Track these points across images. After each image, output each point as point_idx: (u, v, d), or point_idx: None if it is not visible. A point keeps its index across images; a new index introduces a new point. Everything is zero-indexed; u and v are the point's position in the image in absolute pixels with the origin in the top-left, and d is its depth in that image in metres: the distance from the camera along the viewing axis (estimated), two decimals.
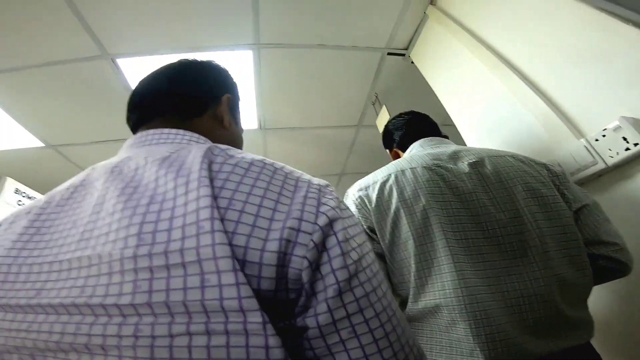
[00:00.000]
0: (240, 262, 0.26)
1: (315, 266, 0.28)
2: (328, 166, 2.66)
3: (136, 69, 1.61)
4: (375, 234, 0.71)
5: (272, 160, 0.35)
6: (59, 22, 1.30)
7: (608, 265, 0.70)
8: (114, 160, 0.41)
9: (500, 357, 0.55)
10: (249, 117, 2.05)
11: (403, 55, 1.69)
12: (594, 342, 0.68)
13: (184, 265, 0.26)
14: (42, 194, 1.84)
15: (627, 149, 0.87)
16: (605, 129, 0.91)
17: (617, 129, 0.89)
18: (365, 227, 0.73)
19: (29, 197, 2.13)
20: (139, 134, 0.46)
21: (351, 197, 0.77)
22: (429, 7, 1.44)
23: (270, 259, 0.27)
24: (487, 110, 1.30)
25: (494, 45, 1.19)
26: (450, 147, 0.85)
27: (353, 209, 0.74)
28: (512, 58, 1.14)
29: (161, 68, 0.55)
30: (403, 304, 0.67)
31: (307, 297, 0.28)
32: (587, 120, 0.98)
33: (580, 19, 0.96)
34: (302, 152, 2.43)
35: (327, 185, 0.35)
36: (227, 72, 0.61)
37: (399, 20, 1.50)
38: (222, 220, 0.27)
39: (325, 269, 0.28)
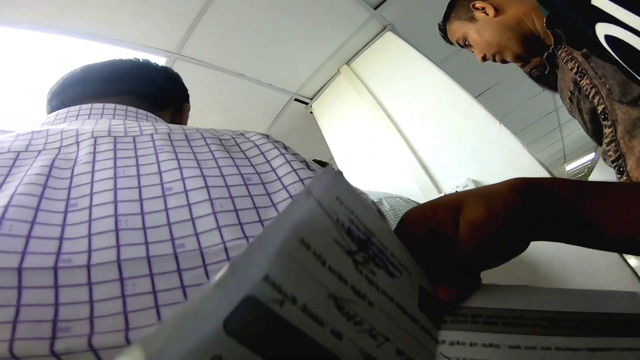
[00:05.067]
0: None
1: None
2: None
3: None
4: None
5: None
6: None
7: None
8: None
9: None
10: None
11: (306, 104, 1.91)
12: None
13: None
14: None
15: None
16: (457, 186, 1.29)
17: (465, 186, 1.27)
18: None
19: None
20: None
21: None
22: (344, 65, 1.73)
23: None
24: (373, 162, 1.60)
25: (390, 112, 1.52)
26: None
27: None
28: (402, 125, 1.49)
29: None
30: None
31: None
32: (446, 180, 1.35)
33: (454, 101, 1.36)
34: None
35: None
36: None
37: (316, 72, 1.73)
38: None
39: None
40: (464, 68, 1.91)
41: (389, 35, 1.63)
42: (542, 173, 1.09)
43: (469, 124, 1.31)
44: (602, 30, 0.25)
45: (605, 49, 0.27)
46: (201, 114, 1.76)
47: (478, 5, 0.79)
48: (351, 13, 1.54)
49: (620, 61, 0.27)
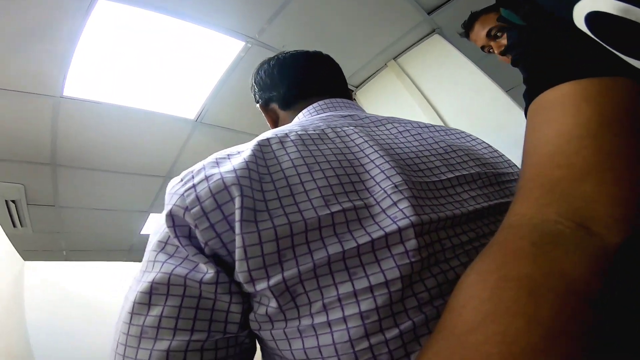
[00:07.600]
0: None
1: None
2: None
3: (104, 17, 1.36)
4: None
5: None
6: None
7: None
8: (343, 113, 0.53)
9: None
10: (191, 104, 1.93)
11: (352, 91, 2.09)
12: None
13: None
14: None
15: None
16: None
17: None
18: None
19: None
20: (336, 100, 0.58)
21: None
22: (391, 60, 1.92)
23: None
24: None
25: (437, 107, 1.73)
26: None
27: None
28: (447, 119, 1.70)
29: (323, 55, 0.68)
30: None
31: None
32: None
33: (493, 99, 1.59)
34: None
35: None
36: None
37: (365, 65, 1.91)
38: None
39: None
40: (494, 67, 2.14)
41: (436, 38, 1.83)
42: None
43: (509, 118, 1.54)
44: (582, 9, 0.23)
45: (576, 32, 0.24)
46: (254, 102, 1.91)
47: None
48: (406, 16, 1.73)
49: (600, 41, 0.24)
